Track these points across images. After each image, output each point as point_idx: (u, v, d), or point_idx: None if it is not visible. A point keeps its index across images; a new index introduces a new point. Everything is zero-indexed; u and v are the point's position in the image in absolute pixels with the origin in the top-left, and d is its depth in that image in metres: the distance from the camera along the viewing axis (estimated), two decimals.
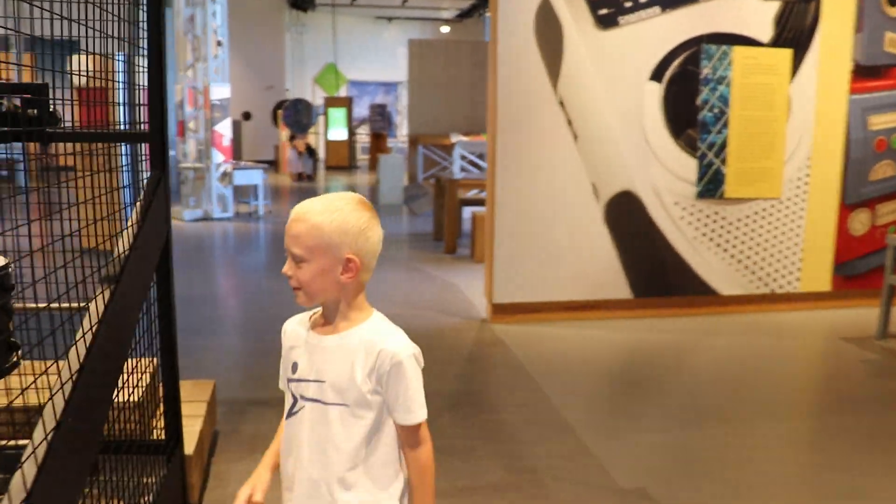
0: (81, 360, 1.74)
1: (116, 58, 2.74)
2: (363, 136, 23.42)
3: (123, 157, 3.04)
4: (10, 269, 2.12)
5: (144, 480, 2.72)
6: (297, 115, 19.54)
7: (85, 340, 1.80)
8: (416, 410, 1.67)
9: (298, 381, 1.71)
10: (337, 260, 1.62)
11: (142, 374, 3.04)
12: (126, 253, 2.17)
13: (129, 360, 3.10)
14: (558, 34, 5.91)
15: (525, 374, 4.98)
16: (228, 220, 12.15)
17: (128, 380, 2.99)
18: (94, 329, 1.85)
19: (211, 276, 8.49)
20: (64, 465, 1.56)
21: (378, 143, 20.95)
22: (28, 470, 1.43)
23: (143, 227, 2.37)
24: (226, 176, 12.20)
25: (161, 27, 2.56)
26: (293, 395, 1.72)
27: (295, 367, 1.72)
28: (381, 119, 23.01)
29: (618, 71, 6.04)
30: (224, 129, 12.10)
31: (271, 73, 22.46)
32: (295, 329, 1.78)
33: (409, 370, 1.65)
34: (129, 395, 2.94)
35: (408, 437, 1.70)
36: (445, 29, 22.92)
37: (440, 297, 7.14)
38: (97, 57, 2.55)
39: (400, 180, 14.38)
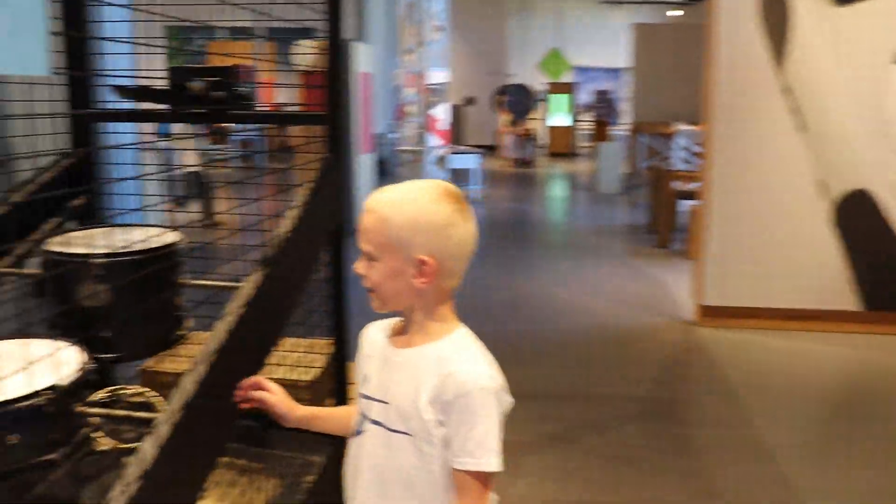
0: (221, 339, 1.71)
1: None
2: (586, 123, 23.02)
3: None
4: (179, 246, 2.18)
5: (310, 459, 2.74)
6: (518, 101, 19.56)
7: (231, 318, 1.78)
8: (480, 456, 1.33)
9: (366, 397, 1.49)
10: (408, 260, 1.37)
11: (317, 355, 3.07)
12: (286, 234, 2.15)
13: (305, 340, 3.15)
14: (785, 12, 5.34)
15: (727, 386, 4.58)
16: None
17: (301, 359, 3.04)
18: (241, 308, 1.83)
19: None
20: (189, 441, 1.55)
21: (600, 130, 20.50)
22: (150, 445, 1.41)
23: (310, 209, 2.35)
24: (441, 160, 12.41)
25: (338, 8, 2.52)
26: (361, 412, 1.51)
27: (366, 379, 1.51)
28: (604, 105, 22.48)
29: (856, 53, 5.35)
30: (440, 113, 12.29)
31: (495, 59, 22.62)
32: (375, 336, 1.55)
33: (480, 406, 1.33)
34: (302, 375, 2.98)
35: (462, 486, 1.36)
36: (674, 13, 21.92)
37: (644, 293, 6.80)
38: (318, 42, 2.58)
39: (619, 169, 13.97)
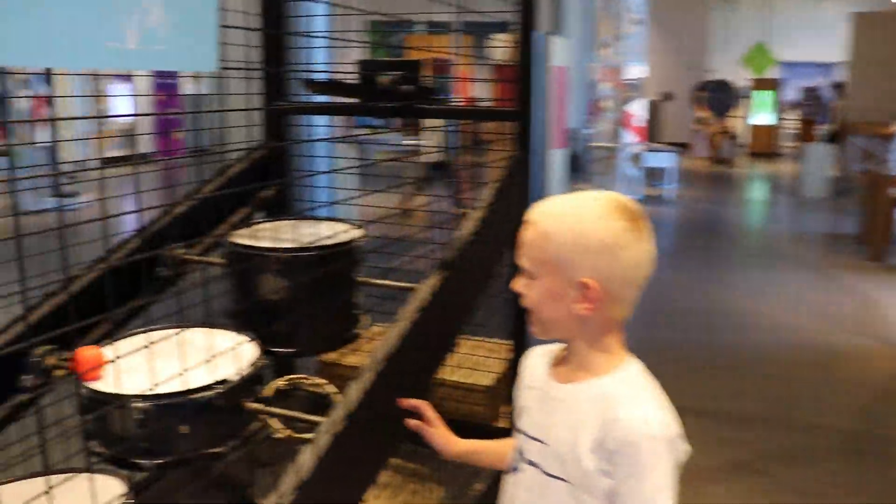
0: (391, 346, 1.64)
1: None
2: (791, 122, 21.57)
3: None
4: (361, 242, 2.14)
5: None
6: (719, 97, 18.62)
7: (403, 324, 1.71)
8: None
9: (523, 434, 1.34)
10: (570, 283, 1.20)
11: (497, 359, 2.98)
12: (467, 237, 2.06)
13: (488, 342, 3.06)
14: None
15: None
16: (635, 202, 11.93)
17: (481, 362, 2.95)
18: (414, 314, 1.76)
19: None
20: (350, 452, 1.50)
21: (807, 129, 19.11)
22: (309, 456, 1.36)
23: (495, 208, 2.25)
24: (635, 157, 12.01)
25: (531, 1, 2.39)
26: (517, 448, 1.36)
27: (524, 413, 1.36)
28: (813, 103, 20.96)
29: None
30: (636, 109, 11.89)
31: (695, 53, 21.65)
32: (535, 364, 1.39)
33: (649, 457, 1.16)
34: (479, 379, 2.89)
35: None
36: None
37: (853, 311, 6.18)
38: (512, 36, 2.51)
39: (826, 172, 12.93)
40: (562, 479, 1.24)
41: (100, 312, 2.04)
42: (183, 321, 1.95)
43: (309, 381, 2.32)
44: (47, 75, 9.07)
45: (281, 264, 1.98)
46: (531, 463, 1.30)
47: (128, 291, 2.16)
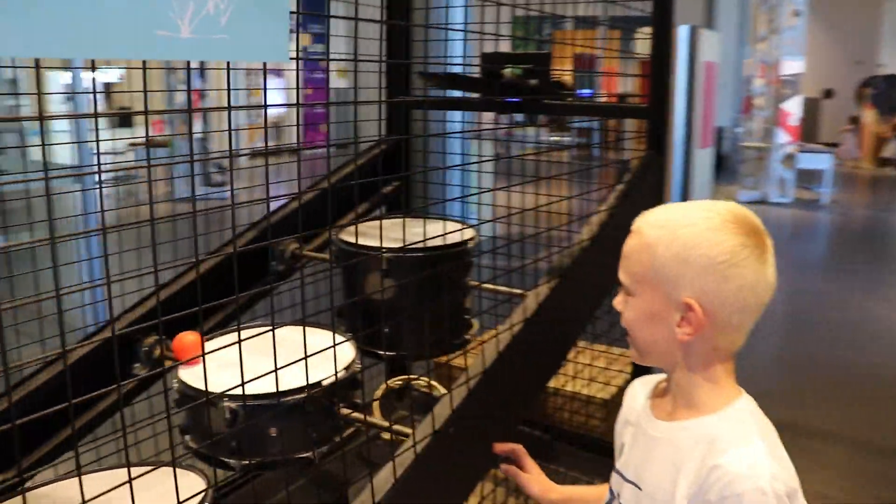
0: (490, 360, 1.54)
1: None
2: None
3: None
4: (471, 245, 2.04)
5: (593, 481, 2.52)
6: (887, 94, 17.29)
7: (505, 338, 1.60)
8: None
9: (619, 473, 1.20)
10: (671, 302, 1.05)
11: (618, 371, 2.82)
12: (585, 243, 1.92)
13: (615, 350, 2.91)
14: None
15: None
16: (786, 205, 11.25)
17: (600, 373, 2.81)
18: (522, 320, 1.65)
19: None
20: (450, 454, 1.43)
21: None
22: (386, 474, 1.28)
23: (620, 211, 2.10)
24: (788, 158, 11.33)
25: None
26: (611, 489, 1.23)
27: (622, 450, 1.22)
28: None
29: None
30: (792, 107, 11.19)
31: (861, 46, 20.22)
32: (636, 396, 1.25)
33: None
34: (598, 391, 2.75)
35: None
36: None
37: None
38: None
39: None
40: None
41: (210, 303, 2.06)
42: (288, 317, 1.92)
43: (422, 383, 2.26)
44: (201, 70, 9.50)
45: (385, 264, 1.91)
46: None
47: (242, 283, 2.17)
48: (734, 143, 12.11)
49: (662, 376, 1.21)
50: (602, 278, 2.09)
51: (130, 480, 1.14)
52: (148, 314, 1.94)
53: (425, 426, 1.37)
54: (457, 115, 3.11)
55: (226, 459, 1.56)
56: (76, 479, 1.23)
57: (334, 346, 1.44)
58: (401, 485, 1.27)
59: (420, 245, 1.88)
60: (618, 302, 1.14)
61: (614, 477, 1.21)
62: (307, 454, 1.55)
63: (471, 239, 2.05)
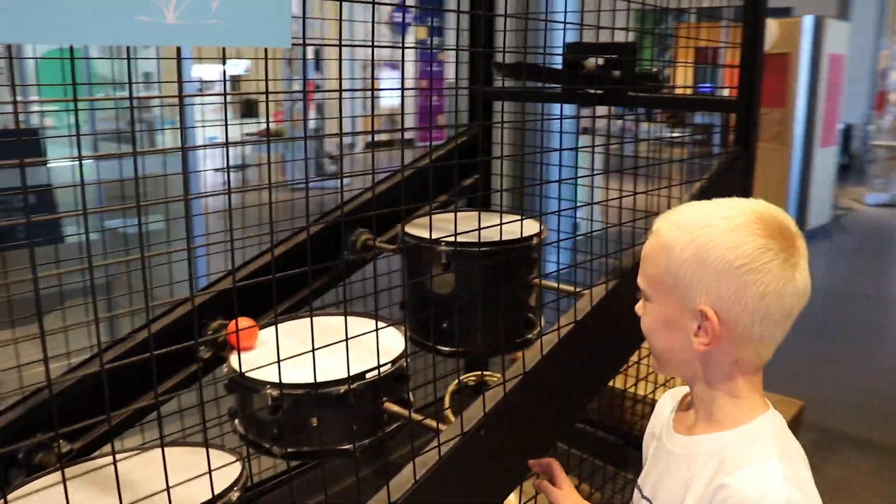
0: (542, 353, 1.48)
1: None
2: None
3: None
4: (535, 241, 1.99)
5: None
6: None
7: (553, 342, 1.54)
8: None
9: (638, 488, 1.14)
10: (687, 310, 0.97)
11: None
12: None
13: None
14: None
15: None
16: None
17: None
18: (576, 319, 1.58)
19: (877, 271, 7.38)
20: (491, 451, 1.39)
21: None
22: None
23: None
24: None
25: None
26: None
27: (645, 463, 1.16)
28: None
29: None
30: None
31: None
32: (663, 408, 1.18)
33: None
34: (649, 390, 2.64)
35: None
36: None
37: None
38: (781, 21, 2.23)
39: None
40: None
41: (280, 289, 2.09)
42: (352, 308, 1.92)
43: (496, 378, 2.22)
44: (317, 61, 9.74)
45: (444, 258, 1.88)
46: None
47: (312, 270, 2.19)
48: (864, 142, 11.40)
49: (683, 389, 1.14)
50: None
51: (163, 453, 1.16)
52: (218, 296, 1.98)
53: (453, 427, 1.34)
54: (559, 109, 3.04)
55: (267, 446, 1.57)
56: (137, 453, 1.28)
57: (377, 335, 1.42)
58: (421, 485, 1.23)
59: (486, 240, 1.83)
60: (638, 307, 1.08)
61: (635, 493, 1.15)
62: (347, 446, 1.54)
63: (536, 235, 1.99)
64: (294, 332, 1.75)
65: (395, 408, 1.57)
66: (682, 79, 2.84)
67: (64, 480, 1.02)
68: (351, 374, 1.50)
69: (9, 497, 1.37)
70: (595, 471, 2.55)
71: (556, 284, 1.90)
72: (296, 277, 2.07)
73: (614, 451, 2.77)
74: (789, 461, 0.95)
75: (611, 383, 2.70)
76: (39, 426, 1.72)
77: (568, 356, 1.54)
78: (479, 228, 1.52)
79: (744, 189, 2.24)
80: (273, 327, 1.79)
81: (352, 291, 2.23)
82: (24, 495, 1.31)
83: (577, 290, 1.79)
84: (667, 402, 1.18)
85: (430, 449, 1.28)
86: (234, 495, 1.34)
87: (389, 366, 1.59)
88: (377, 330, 1.34)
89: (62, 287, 1.87)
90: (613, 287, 1.66)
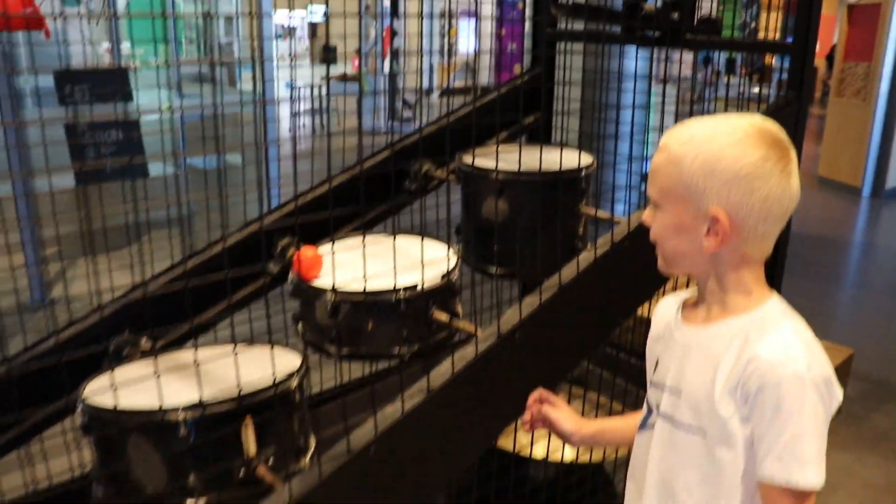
0: (580, 268, 1.59)
1: None
2: None
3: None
4: (585, 173, 2.08)
5: None
6: None
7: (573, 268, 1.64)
8: (789, 465, 1.03)
9: (654, 385, 1.22)
10: (699, 214, 1.08)
11: None
12: None
13: None
14: None
15: None
16: None
17: None
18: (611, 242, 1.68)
19: None
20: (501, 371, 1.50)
21: None
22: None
23: None
24: None
25: None
26: (648, 403, 1.25)
27: (656, 366, 1.23)
28: None
29: None
30: None
31: None
32: (665, 312, 1.27)
33: (792, 400, 1.02)
34: None
35: (768, 502, 1.07)
36: None
37: None
38: None
39: None
40: (696, 430, 1.13)
41: (346, 214, 2.24)
42: (408, 230, 2.07)
43: None
44: (393, 9, 9.82)
45: (497, 185, 2.00)
46: (664, 416, 1.19)
47: (376, 197, 2.34)
48: None
49: (689, 292, 1.24)
50: None
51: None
52: (285, 218, 2.14)
53: (491, 330, 1.46)
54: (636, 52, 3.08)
55: (327, 348, 1.74)
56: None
57: (422, 248, 1.55)
58: (458, 376, 1.37)
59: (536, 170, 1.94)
60: (646, 216, 1.17)
61: (651, 391, 1.24)
62: (397, 350, 1.69)
63: (588, 167, 2.09)
64: (354, 248, 1.90)
65: (443, 316, 1.71)
66: (770, 27, 2.80)
67: (156, 359, 1.19)
68: (402, 285, 1.65)
69: (100, 380, 1.57)
70: (627, 393, 2.65)
71: (608, 215, 1.99)
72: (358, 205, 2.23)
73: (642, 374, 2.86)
74: (800, 331, 1.09)
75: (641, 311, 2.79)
76: (127, 325, 1.92)
77: (603, 275, 1.64)
78: (520, 159, 1.62)
79: (794, 135, 2.27)
80: (338, 242, 1.97)
81: (414, 219, 2.37)
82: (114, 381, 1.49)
83: (615, 218, 1.88)
84: (665, 309, 1.28)
85: (468, 346, 1.42)
86: (294, 382, 1.51)
87: (439, 279, 1.72)
88: (422, 243, 1.47)
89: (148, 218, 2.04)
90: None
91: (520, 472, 2.34)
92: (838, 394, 1.06)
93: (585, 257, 1.61)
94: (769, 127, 1.08)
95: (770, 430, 1.04)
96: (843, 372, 3.26)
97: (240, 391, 1.40)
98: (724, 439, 1.09)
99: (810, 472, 1.03)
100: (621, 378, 2.42)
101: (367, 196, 2.34)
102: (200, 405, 1.39)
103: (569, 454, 2.18)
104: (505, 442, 2.15)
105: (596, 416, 2.44)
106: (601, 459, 2.19)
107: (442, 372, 1.38)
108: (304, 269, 1.75)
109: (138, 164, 4.26)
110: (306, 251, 1.80)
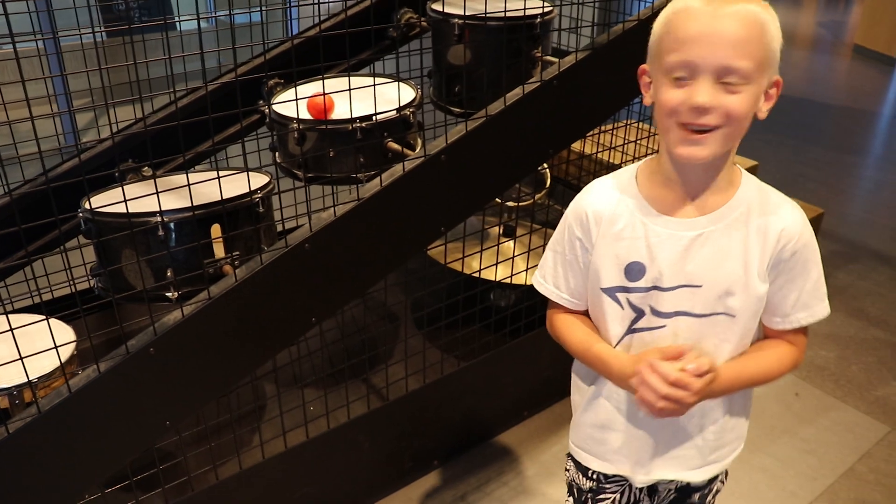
0: (508, 102, 1.78)
1: None
2: None
3: None
4: (540, 20, 2.22)
5: None
6: None
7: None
8: (815, 306, 1.19)
9: (648, 290, 1.17)
10: (770, 80, 1.08)
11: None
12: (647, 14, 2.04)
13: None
14: None
15: None
16: None
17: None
18: (542, 78, 1.85)
19: None
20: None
21: None
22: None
23: None
24: None
25: None
26: (635, 308, 1.19)
27: (635, 269, 1.17)
28: None
29: None
30: None
31: None
32: (618, 208, 1.18)
33: (813, 252, 1.16)
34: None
35: (794, 343, 1.23)
36: None
37: None
38: None
39: None
40: (726, 315, 1.15)
41: (332, 58, 2.43)
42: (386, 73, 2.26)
43: None
44: None
45: (459, 30, 2.17)
46: (679, 313, 1.17)
47: (359, 44, 2.52)
48: None
49: (625, 175, 1.22)
50: None
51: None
52: (275, 59, 2.35)
53: (419, 152, 1.69)
54: None
55: (296, 172, 1.99)
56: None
57: (374, 86, 1.75)
58: (385, 190, 1.61)
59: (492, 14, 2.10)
60: (713, 97, 1.03)
61: (635, 296, 1.18)
62: (355, 175, 1.94)
63: (547, 14, 2.23)
64: (333, 87, 2.12)
65: (396, 146, 1.94)
66: None
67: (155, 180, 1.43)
68: (360, 115, 1.88)
69: (106, 192, 1.86)
70: None
71: (554, 59, 2.15)
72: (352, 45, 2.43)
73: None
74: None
75: (592, 152, 2.95)
76: (130, 154, 2.19)
77: (534, 108, 1.82)
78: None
79: None
80: (316, 83, 2.19)
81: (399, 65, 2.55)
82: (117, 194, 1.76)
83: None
84: (613, 200, 1.20)
85: (397, 166, 1.65)
86: (257, 196, 1.77)
87: (393, 113, 1.94)
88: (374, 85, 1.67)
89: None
90: (588, 55, 1.90)
91: (483, 293, 2.62)
92: None
93: (514, 94, 1.81)
94: None
95: (796, 283, 1.17)
96: (814, 230, 3.43)
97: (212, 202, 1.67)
98: (755, 314, 1.18)
99: (826, 303, 1.21)
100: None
101: (351, 43, 2.51)
102: (176, 211, 1.66)
103: (524, 278, 2.43)
104: (468, 269, 2.42)
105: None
106: None
107: (371, 185, 1.62)
108: (316, 112, 1.94)
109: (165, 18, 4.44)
110: (318, 100, 1.97)
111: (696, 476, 1.32)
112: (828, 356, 2.97)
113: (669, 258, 1.14)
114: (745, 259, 1.12)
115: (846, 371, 2.89)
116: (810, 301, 1.18)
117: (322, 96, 1.89)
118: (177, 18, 3.87)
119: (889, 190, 4.60)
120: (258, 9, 2.02)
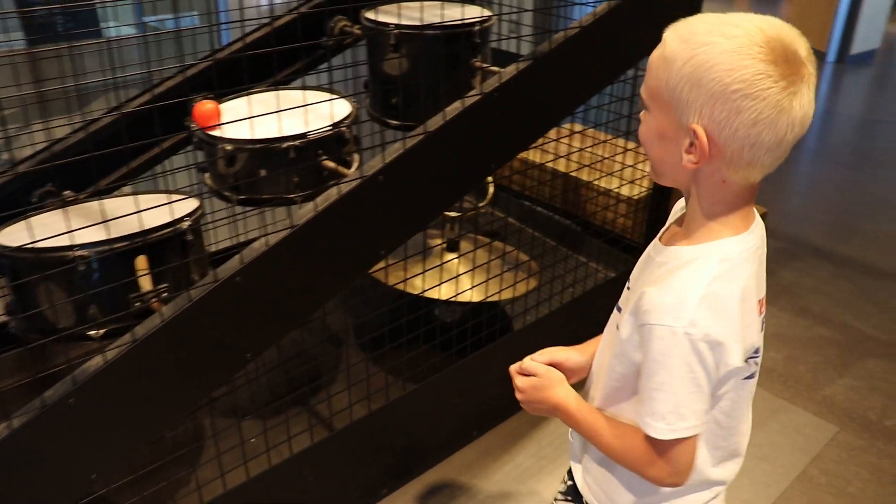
0: (447, 117, 1.71)
1: None
2: None
3: None
4: (479, 28, 2.15)
5: (605, 272, 2.68)
6: None
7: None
8: (648, 416, 1.02)
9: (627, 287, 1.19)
10: (680, 126, 0.95)
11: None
12: (586, 22, 1.98)
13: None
14: None
15: None
16: None
17: (635, 173, 2.87)
18: (482, 92, 1.78)
19: None
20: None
21: None
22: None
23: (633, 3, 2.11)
24: None
25: None
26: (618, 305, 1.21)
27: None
28: None
29: None
30: None
31: None
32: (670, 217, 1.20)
33: (660, 347, 0.97)
34: (631, 190, 2.84)
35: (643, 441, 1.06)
36: None
37: None
38: None
39: None
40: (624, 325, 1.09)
41: (260, 70, 2.32)
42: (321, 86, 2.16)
43: None
44: None
45: (395, 39, 2.08)
46: (618, 308, 1.16)
47: (290, 55, 2.41)
48: None
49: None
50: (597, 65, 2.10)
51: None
52: (204, 72, 2.23)
53: (356, 173, 1.60)
54: None
55: (226, 194, 1.88)
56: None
57: (304, 98, 1.66)
58: (322, 214, 1.52)
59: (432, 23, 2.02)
60: (642, 114, 1.04)
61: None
62: (291, 195, 1.83)
63: (485, 22, 2.16)
64: (262, 102, 2.01)
65: (332, 164, 1.84)
66: None
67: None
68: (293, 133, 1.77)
69: (24, 220, 1.72)
70: (547, 251, 2.83)
71: (496, 69, 2.08)
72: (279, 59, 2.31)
73: (571, 235, 3.05)
74: (720, 286, 0.98)
75: (578, 174, 2.94)
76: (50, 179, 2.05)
77: (475, 122, 1.75)
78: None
79: None
80: (244, 99, 2.07)
81: (333, 76, 2.46)
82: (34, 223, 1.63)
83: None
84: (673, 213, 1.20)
85: (333, 188, 1.56)
86: (185, 224, 1.66)
87: (328, 130, 1.84)
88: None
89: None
90: (529, 65, 1.83)
91: (428, 313, 2.54)
92: (729, 359, 0.99)
93: (454, 107, 1.73)
94: (781, 34, 0.91)
95: (644, 369, 1.02)
96: None
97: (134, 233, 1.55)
98: (621, 354, 1.09)
99: (661, 427, 1.00)
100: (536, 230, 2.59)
101: (281, 54, 2.40)
102: (96, 244, 1.54)
103: (470, 296, 2.37)
104: (413, 288, 2.34)
105: (492, 259, 2.60)
106: (498, 299, 2.38)
107: (305, 211, 1.53)
108: (201, 121, 1.86)
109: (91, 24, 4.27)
110: (204, 104, 1.90)
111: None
112: (776, 357, 2.97)
113: (638, 266, 1.15)
114: (640, 296, 1.04)
115: (794, 371, 2.89)
116: (645, 400, 1.02)
117: (207, 102, 1.81)
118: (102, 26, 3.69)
119: (825, 185, 4.68)
120: (187, 14, 1.91)
